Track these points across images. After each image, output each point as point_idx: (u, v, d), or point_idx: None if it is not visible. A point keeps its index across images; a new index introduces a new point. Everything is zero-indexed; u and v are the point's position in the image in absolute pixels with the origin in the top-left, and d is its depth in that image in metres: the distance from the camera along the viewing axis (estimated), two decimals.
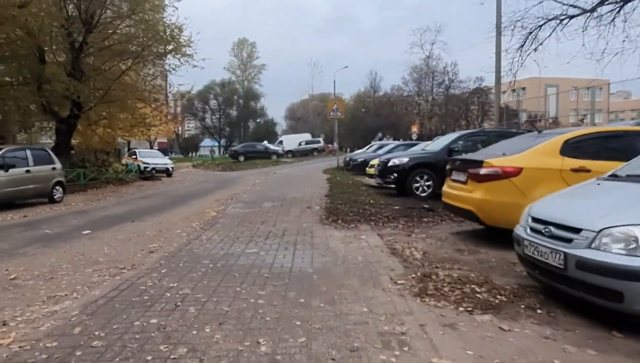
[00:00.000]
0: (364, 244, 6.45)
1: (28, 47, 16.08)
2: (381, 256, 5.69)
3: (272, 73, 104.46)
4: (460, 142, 11.53)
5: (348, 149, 52.23)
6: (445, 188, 7.28)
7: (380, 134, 56.69)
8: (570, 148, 5.84)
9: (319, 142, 50.75)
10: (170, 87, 22.26)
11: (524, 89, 61.48)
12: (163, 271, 5.18)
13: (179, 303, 3.98)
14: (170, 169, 26.29)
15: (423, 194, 11.24)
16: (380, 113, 62.95)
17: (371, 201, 10.33)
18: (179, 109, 69.10)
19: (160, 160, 26.55)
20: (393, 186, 11.84)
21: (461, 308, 3.70)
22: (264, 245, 6.52)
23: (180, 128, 74.26)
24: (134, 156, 26.90)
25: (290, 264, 5.36)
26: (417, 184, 11.35)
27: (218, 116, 72.84)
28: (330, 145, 54.91)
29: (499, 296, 3.93)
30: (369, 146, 27.08)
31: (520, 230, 4.13)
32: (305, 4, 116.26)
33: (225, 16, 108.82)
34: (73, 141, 21.10)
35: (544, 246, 3.62)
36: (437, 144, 12.54)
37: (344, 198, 11.01)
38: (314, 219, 8.64)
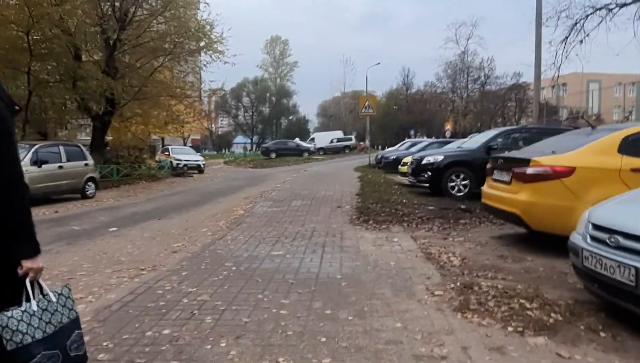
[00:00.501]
0: (397, 247, 6.02)
1: (63, 45, 16.34)
2: (415, 261, 5.26)
3: (305, 71, 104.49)
4: (500, 139, 10.89)
5: (380, 147, 51.46)
6: (485, 189, 6.75)
7: (413, 132, 55.63)
8: (631, 146, 5.22)
9: (350, 139, 50.23)
10: (202, 84, 22.31)
11: (564, 85, 59.14)
12: (183, 273, 4.92)
13: (195, 312, 3.69)
14: (202, 166, 26.44)
15: (459, 194, 10.68)
16: (413, 110, 61.78)
17: (404, 201, 9.86)
18: (212, 106, 70.13)
19: (192, 157, 26.75)
20: (427, 185, 11.31)
21: (510, 328, 3.24)
22: (290, 246, 6.19)
23: (213, 125, 75.37)
24: (167, 153, 27.23)
25: (317, 269, 5.00)
26: (453, 184, 10.79)
27: (250, 113, 73.42)
28: (361, 143, 54.29)
29: (553, 314, 3.44)
30: (401, 143, 26.45)
31: (577, 238, 3.62)
32: (340, 1, 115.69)
33: (259, 15, 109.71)
34: (107, 138, 21.52)
35: (610, 258, 3.12)
36: (475, 141, 11.91)
37: (375, 197, 10.58)
38: (344, 220, 8.26)
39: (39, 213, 10.27)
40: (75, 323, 1.96)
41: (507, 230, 7.03)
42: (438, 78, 60.98)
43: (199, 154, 29.47)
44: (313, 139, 50.54)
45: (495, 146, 10.64)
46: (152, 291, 4.30)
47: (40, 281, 1.90)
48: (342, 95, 72.95)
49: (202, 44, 19.25)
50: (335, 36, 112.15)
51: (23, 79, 14.86)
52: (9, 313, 1.74)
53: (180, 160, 25.32)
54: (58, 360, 1.81)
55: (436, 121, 59.84)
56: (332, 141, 47.70)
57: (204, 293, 4.20)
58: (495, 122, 59.37)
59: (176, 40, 18.29)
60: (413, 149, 20.89)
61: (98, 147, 18.71)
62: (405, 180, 14.33)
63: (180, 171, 23.90)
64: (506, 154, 6.71)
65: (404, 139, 40.23)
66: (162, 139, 42.82)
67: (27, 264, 1.79)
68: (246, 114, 74.44)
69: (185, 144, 48.64)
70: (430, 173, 11.00)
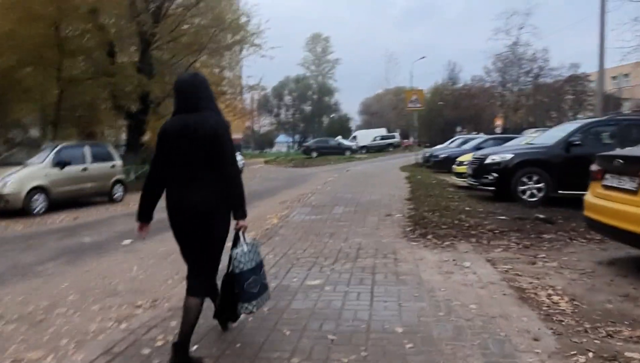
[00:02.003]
0: (472, 277, 4.53)
1: (96, 41, 15.73)
2: (505, 303, 3.76)
3: (347, 68, 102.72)
4: (582, 134, 9.07)
5: (428, 144, 49.30)
6: (591, 198, 5.11)
7: (459, 128, 53.00)
8: None
9: (394, 137, 48.27)
10: (241, 79, 21.34)
11: (626, 75, 54.78)
12: None
13: None
14: (242, 165, 25.58)
15: (532, 200, 8.98)
16: (459, 106, 58.89)
17: (466, 208, 8.28)
18: (255, 105, 70.07)
19: None
20: (491, 188, 9.63)
21: None
22: (330, 273, 4.82)
23: (254, 124, 75.30)
24: None
25: (367, 314, 3.61)
26: (524, 187, 9.09)
27: (292, 112, 72.85)
28: (406, 140, 52.30)
29: None
30: (451, 140, 24.53)
31: None
32: None
33: (302, 12, 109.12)
34: (146, 138, 20.92)
35: None
36: (549, 136, 10.11)
37: (430, 202, 9.05)
38: (395, 232, 6.81)
39: (56, 220, 9.46)
40: (261, 264, 3.06)
41: (615, 252, 5.38)
42: (487, 71, 57.87)
43: (238, 153, 28.56)
44: (355, 137, 48.95)
45: (578, 142, 8.87)
46: (136, 350, 3.05)
47: (245, 234, 2.93)
48: (385, 92, 70.89)
49: (238, 37, 18.21)
50: (378, 32, 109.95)
51: (53, 77, 14.27)
52: (235, 250, 2.91)
53: None
54: (257, 284, 2.95)
55: (484, 117, 56.81)
56: (374, 139, 45.93)
57: (207, 357, 2.91)
58: (550, 117, 55.76)
59: (211, 33, 17.32)
60: (466, 146, 19.11)
61: (133, 147, 18.09)
62: (460, 181, 12.68)
63: None
64: (629, 151, 5.01)
65: (450, 136, 38.05)
66: None
67: (241, 223, 2.89)
68: (288, 112, 74.01)
69: None
70: (496, 175, 9.33)
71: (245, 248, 2.91)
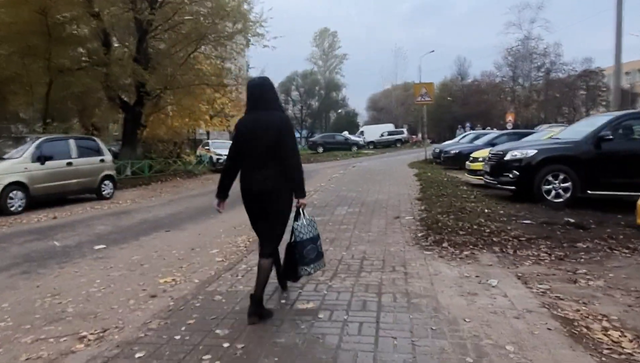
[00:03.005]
0: (503, 301, 3.64)
1: (92, 29, 14.92)
2: (552, 343, 2.88)
3: (355, 63, 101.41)
4: (614, 128, 8.11)
5: (433, 140, 48.21)
6: None
7: (468, 125, 51.87)
8: None
9: (402, 133, 47.18)
10: (240, 70, 20.42)
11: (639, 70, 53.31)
12: (139, 356, 2.81)
13: None
14: None
15: (557, 201, 8.06)
16: (468, 102, 57.61)
17: (485, 210, 7.36)
18: None
19: None
20: (511, 187, 8.69)
21: None
22: (327, 292, 3.96)
23: None
24: (207, 148, 25.78)
25: (371, 358, 2.74)
26: (549, 187, 8.15)
27: (300, 107, 72.01)
28: (414, 136, 51.24)
29: None
30: (462, 135, 23.52)
31: None
32: None
33: (310, 8, 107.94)
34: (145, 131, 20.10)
35: None
36: (576, 131, 9.15)
37: (443, 203, 8.14)
38: (405, 239, 5.93)
39: (32, 220, 8.66)
40: (318, 236, 3.66)
41: None
42: (497, 66, 56.72)
43: None
44: (362, 132, 47.92)
45: (609, 137, 7.92)
46: None
47: (304, 210, 3.53)
48: (393, 87, 69.70)
49: (239, 26, 17.30)
50: (386, 29, 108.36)
51: (42, 66, 13.45)
52: (297, 222, 3.50)
53: (221, 155, 23.68)
54: (314, 251, 3.55)
55: (494, 113, 55.52)
56: (382, 135, 44.84)
57: None
58: (562, 113, 54.34)
59: (210, 22, 16.42)
60: (478, 142, 18.14)
61: (130, 141, 17.31)
62: (475, 180, 11.75)
63: (220, 167, 22.23)
64: None
65: (458, 132, 36.91)
66: (208, 133, 41.81)
67: (301, 201, 3.45)
68: (295, 107, 73.27)
69: (231, 139, 47.55)
70: (517, 173, 8.39)
71: (305, 221, 3.53)
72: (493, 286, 4.02)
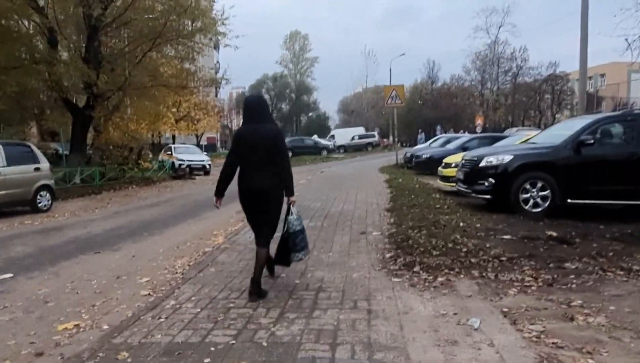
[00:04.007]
0: (488, 353, 2.85)
1: (35, 25, 13.63)
2: None
3: (326, 67, 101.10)
4: (594, 131, 7.54)
5: (406, 144, 47.95)
6: None
7: (439, 128, 51.97)
8: None
9: (373, 136, 46.75)
10: (200, 72, 19.30)
11: (602, 75, 54.65)
12: None
13: None
14: (208, 166, 23.66)
15: (536, 210, 7.43)
16: (439, 105, 57.84)
17: (460, 224, 6.62)
18: (233, 102, 67.71)
19: (196, 157, 23.92)
20: (487, 196, 8.01)
21: None
22: (269, 342, 3.09)
23: (231, 122, 72.94)
24: (169, 153, 24.55)
25: None
26: (527, 195, 7.52)
27: (270, 111, 70.90)
28: (385, 139, 50.89)
29: None
30: (433, 139, 23.05)
31: None
32: None
33: (281, 11, 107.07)
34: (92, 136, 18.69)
35: None
36: (553, 135, 8.57)
37: (415, 215, 7.37)
38: (371, 261, 5.12)
39: None
40: (304, 229, 4.27)
41: None
42: (466, 70, 57.15)
43: (205, 153, 26.58)
44: (333, 136, 47.23)
45: (590, 141, 7.35)
46: None
47: (294, 206, 4.14)
48: (364, 90, 69.42)
49: (198, 24, 16.25)
50: (358, 33, 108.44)
51: None
52: (289, 217, 4.11)
53: (182, 160, 22.52)
54: (303, 241, 4.18)
55: (464, 116, 55.87)
56: (353, 138, 44.22)
57: None
58: (528, 116, 55.07)
59: (167, 19, 15.30)
60: (450, 146, 17.61)
61: (78, 146, 15.99)
62: (447, 187, 11.10)
63: (181, 173, 21.03)
64: None
65: (430, 136, 36.63)
66: (173, 137, 40.26)
67: (291, 199, 4.10)
68: None
69: (198, 143, 46.10)
70: (493, 180, 7.72)
71: (295, 216, 4.17)
72: (475, 329, 3.23)
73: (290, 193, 4.06)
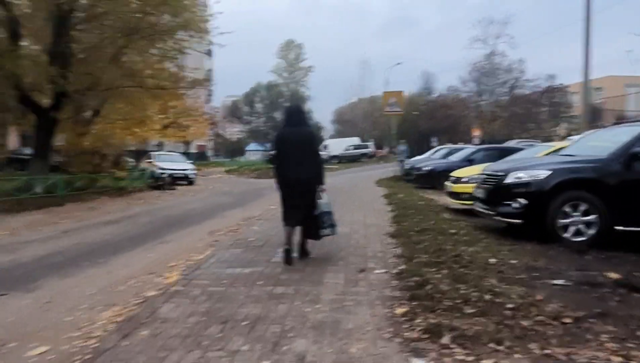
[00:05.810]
0: None
1: None
2: None
3: (321, 76, 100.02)
4: None
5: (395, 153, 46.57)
6: None
7: (435, 140, 50.71)
8: None
9: (367, 147, 45.37)
10: (182, 72, 17.72)
11: (598, 88, 53.95)
12: None
13: None
14: (191, 176, 22.06)
15: (578, 239, 5.92)
16: (435, 116, 56.68)
17: (490, 260, 5.04)
18: (225, 111, 66.19)
19: (180, 165, 22.32)
20: (517, 221, 6.45)
21: None
22: None
23: (224, 131, 71.39)
24: (151, 161, 22.90)
25: None
26: (567, 220, 6.01)
27: (263, 120, 69.57)
28: (380, 150, 49.57)
29: None
30: (434, 150, 21.63)
31: None
32: (363, 6, 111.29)
33: (276, 20, 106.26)
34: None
35: None
36: (593, 145, 7.08)
37: (428, 244, 5.80)
38: (376, 322, 3.53)
39: None
40: (331, 211, 5.43)
41: None
42: (463, 81, 56.07)
43: (190, 162, 24.93)
44: (326, 146, 45.82)
45: None
46: None
47: (323, 194, 5.35)
48: (359, 100, 68.21)
49: (180, 20, 14.73)
50: (355, 43, 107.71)
51: None
52: (320, 201, 5.30)
53: (164, 169, 20.87)
54: (330, 220, 5.36)
55: (460, 128, 54.69)
56: (347, 149, 42.85)
57: None
58: (526, 128, 54.00)
59: (144, 12, 13.77)
60: (453, 158, 16.21)
61: (42, 153, 14.33)
62: (453, 202, 9.63)
63: (161, 183, 19.35)
64: None
65: (428, 147, 35.27)
66: (161, 144, 38.57)
67: (322, 188, 5.33)
68: (259, 120, 70.99)
69: (187, 151, 44.49)
70: (525, 201, 6.18)
71: (325, 200, 5.32)
72: None
73: (322, 182, 5.31)
